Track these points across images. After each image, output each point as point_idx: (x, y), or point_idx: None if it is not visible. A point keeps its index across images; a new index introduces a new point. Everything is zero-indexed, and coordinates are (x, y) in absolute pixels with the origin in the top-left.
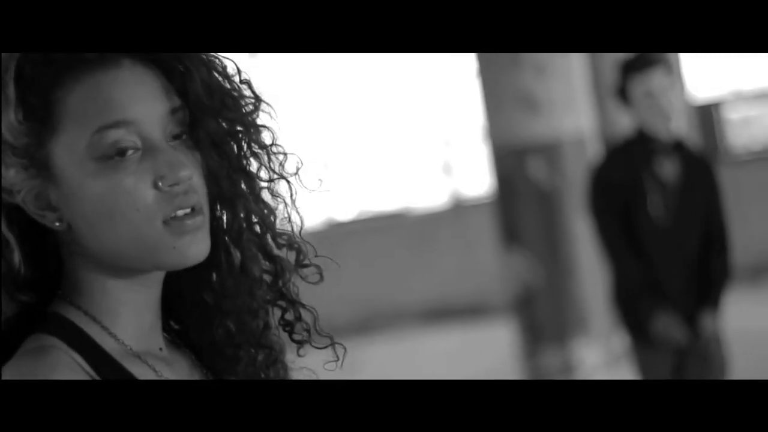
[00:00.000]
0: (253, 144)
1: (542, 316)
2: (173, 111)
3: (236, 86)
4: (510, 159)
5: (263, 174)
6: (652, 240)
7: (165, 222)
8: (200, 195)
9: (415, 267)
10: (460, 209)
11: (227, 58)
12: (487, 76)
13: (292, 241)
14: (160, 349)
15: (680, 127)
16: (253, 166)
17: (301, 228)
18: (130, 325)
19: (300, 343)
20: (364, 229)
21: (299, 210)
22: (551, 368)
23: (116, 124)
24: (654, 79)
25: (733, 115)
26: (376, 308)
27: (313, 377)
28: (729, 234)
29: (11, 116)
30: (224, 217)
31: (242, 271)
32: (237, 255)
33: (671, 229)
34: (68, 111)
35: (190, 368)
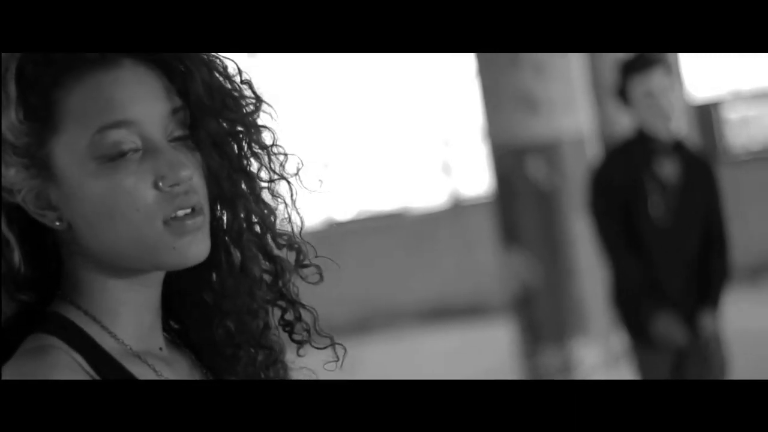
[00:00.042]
0: (253, 144)
1: (541, 315)
2: (174, 111)
3: (237, 86)
4: (509, 159)
5: (264, 174)
6: (653, 240)
7: (165, 222)
8: (200, 195)
9: (414, 267)
10: (459, 209)
11: (228, 59)
12: (486, 76)
13: (292, 242)
14: (160, 348)
15: (680, 127)
16: (254, 166)
17: (301, 228)
18: (130, 325)
19: (300, 343)
20: (364, 228)
21: (299, 210)
22: (550, 368)
23: (117, 124)
24: (654, 80)
25: (732, 115)
26: (375, 308)
27: (313, 377)
28: (728, 234)
29: (12, 116)
30: (224, 218)
31: (242, 271)
32: (237, 255)
33: (671, 229)
34: (69, 111)
35: (190, 368)
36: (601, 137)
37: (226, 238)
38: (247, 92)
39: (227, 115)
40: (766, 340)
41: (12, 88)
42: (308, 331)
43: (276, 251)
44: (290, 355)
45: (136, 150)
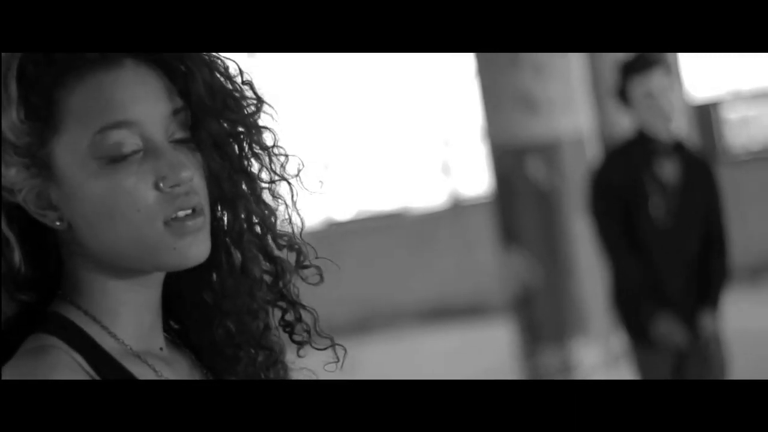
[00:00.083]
0: (254, 145)
1: (541, 315)
2: (175, 112)
3: (238, 87)
4: (509, 159)
5: (264, 175)
6: (653, 241)
7: (166, 223)
8: (201, 196)
9: (414, 267)
10: (459, 209)
11: (229, 59)
12: (485, 76)
13: (292, 243)
14: (161, 348)
15: (680, 127)
16: (255, 167)
17: (302, 229)
18: (130, 325)
19: (300, 344)
20: (363, 228)
21: (300, 211)
22: (550, 368)
23: (118, 125)
24: (654, 80)
25: (731, 115)
26: (375, 308)
27: (313, 378)
28: (728, 234)
29: (13, 115)
30: (225, 218)
31: (243, 271)
32: (237, 256)
33: (672, 229)
34: (70, 111)
35: (190, 368)
36: (601, 137)
37: (227, 238)
38: (248, 93)
39: (228, 116)
40: (765, 341)
41: (13, 88)
42: (308, 332)
43: (276, 252)
44: (290, 356)
45: (137, 150)
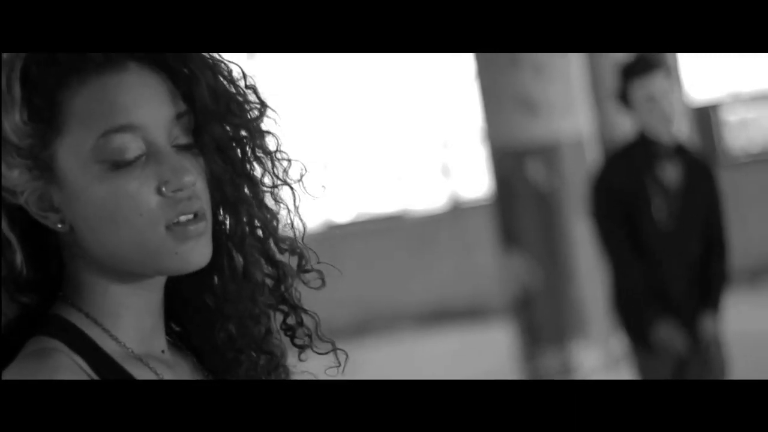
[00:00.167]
0: (257, 149)
1: (541, 318)
2: (178, 116)
3: (241, 91)
4: (509, 161)
5: (267, 180)
6: (656, 244)
7: (168, 227)
8: (203, 201)
9: (413, 269)
10: (458, 211)
11: (232, 62)
12: (485, 78)
13: (294, 247)
14: (162, 351)
15: (681, 130)
16: (257, 171)
17: (304, 234)
18: (132, 328)
19: (301, 348)
20: (363, 231)
21: (302, 216)
22: (550, 370)
23: (122, 128)
24: (655, 83)
25: (731, 117)
26: (375, 310)
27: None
28: (728, 237)
29: (16, 117)
30: (227, 222)
31: (245, 276)
32: (239, 260)
33: (674, 232)
34: (74, 113)
35: (191, 371)
36: (601, 139)
37: (229, 243)
38: (252, 97)
39: (231, 120)
40: (765, 343)
41: (16, 89)
42: (310, 336)
43: (278, 256)
44: (292, 359)
45: (140, 155)
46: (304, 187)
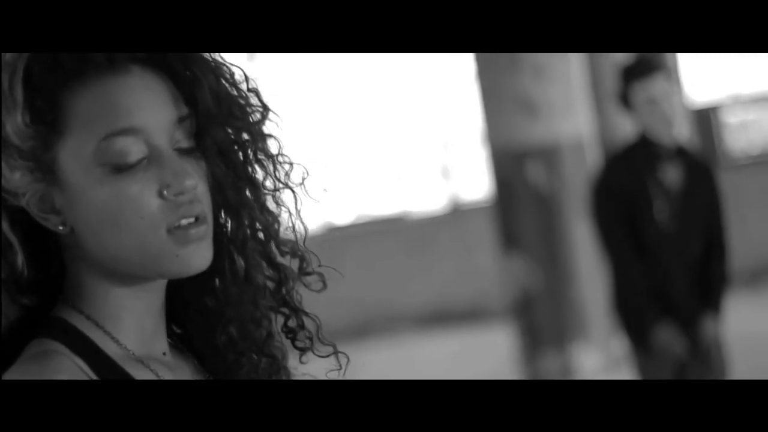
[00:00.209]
0: (259, 153)
1: (541, 320)
2: (180, 119)
3: (244, 94)
4: (509, 163)
5: (269, 183)
6: (657, 245)
7: (169, 231)
8: (204, 204)
9: (413, 271)
10: (458, 213)
11: (235, 65)
12: (485, 79)
13: (295, 249)
14: (164, 353)
15: (682, 132)
16: (259, 174)
17: (305, 237)
18: (133, 330)
19: (302, 350)
20: (363, 232)
21: (303, 219)
22: (550, 372)
23: (124, 132)
24: (656, 86)
25: (731, 119)
26: (375, 312)
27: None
28: (728, 238)
29: (18, 119)
30: (229, 225)
31: (246, 279)
32: (241, 263)
33: (675, 233)
34: (76, 115)
35: (192, 373)
36: (601, 141)
37: (231, 246)
38: (254, 100)
39: (234, 124)
40: (766, 344)
41: (19, 91)
42: (311, 339)
43: (279, 259)
44: (293, 362)
45: (142, 159)
46: (306, 191)
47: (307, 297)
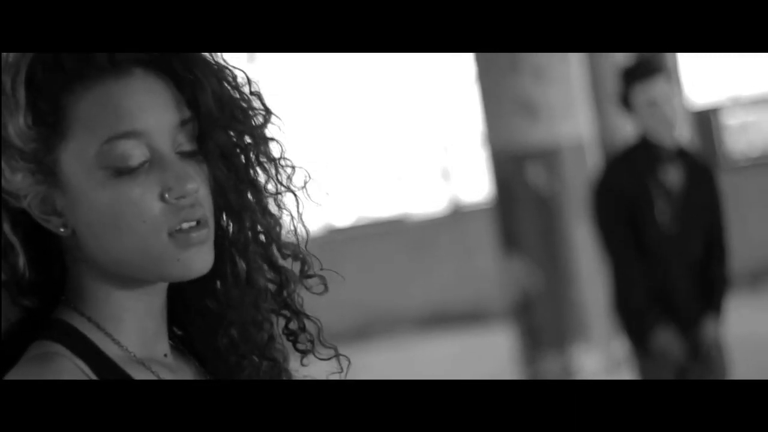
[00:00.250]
0: (261, 156)
1: (542, 321)
2: (183, 123)
3: (246, 97)
4: (509, 164)
5: (270, 186)
6: (658, 246)
7: (170, 234)
8: (206, 208)
9: (414, 273)
10: (459, 215)
11: (237, 68)
12: (485, 82)
13: (297, 252)
14: (165, 355)
15: (683, 134)
16: (261, 178)
17: (307, 240)
18: (134, 332)
19: (303, 353)
20: (363, 235)
21: (305, 223)
22: (551, 374)
23: (126, 135)
24: (656, 88)
25: (731, 120)
26: (375, 314)
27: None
28: (728, 240)
29: (20, 121)
30: (230, 229)
31: (248, 282)
32: (242, 266)
33: (677, 235)
34: (78, 118)
35: (194, 375)
36: (601, 143)
37: (232, 249)
38: (256, 103)
39: (236, 127)
40: (766, 346)
41: (21, 93)
42: (312, 341)
43: (281, 261)
44: (294, 364)
45: (144, 162)
46: (308, 194)
47: (307, 299)
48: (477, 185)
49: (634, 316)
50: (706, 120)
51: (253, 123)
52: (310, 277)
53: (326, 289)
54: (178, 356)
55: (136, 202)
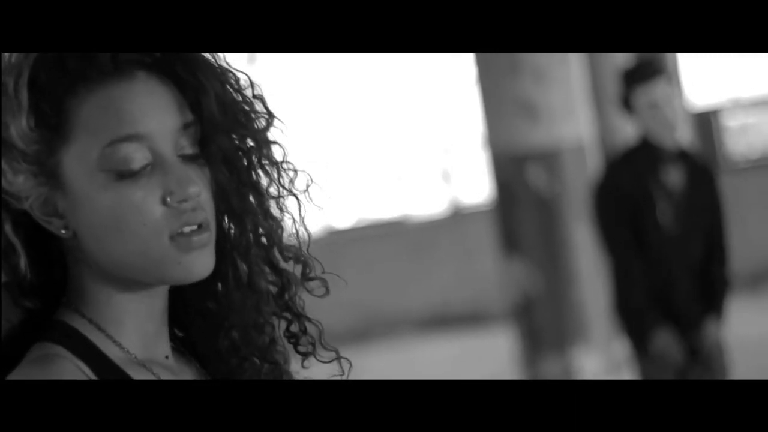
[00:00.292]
0: (263, 160)
1: (542, 323)
2: (185, 126)
3: (249, 101)
4: (509, 166)
5: (273, 190)
6: (660, 247)
7: (172, 238)
8: (208, 212)
9: (414, 274)
10: (459, 217)
11: (240, 71)
12: (486, 83)
13: (298, 255)
14: (166, 357)
15: (684, 135)
16: (263, 181)
17: (309, 243)
18: (135, 334)
19: (304, 355)
20: (364, 236)
21: (307, 226)
22: (551, 376)
23: (128, 138)
24: (658, 90)
25: (731, 122)
26: (376, 316)
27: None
28: (729, 241)
29: (23, 122)
30: (232, 232)
31: (249, 285)
32: (244, 269)
33: (679, 236)
34: (80, 121)
35: (195, 376)
36: (602, 144)
37: (234, 252)
38: (259, 107)
39: (239, 131)
40: (766, 347)
41: (24, 95)
42: (313, 344)
43: (282, 264)
44: (294, 366)
45: (146, 165)
46: (310, 198)
47: (307, 301)
48: (477, 187)
49: (635, 317)
50: (706, 122)
51: (255, 126)
52: (311, 279)
53: (327, 291)
54: (179, 358)
55: (138, 205)
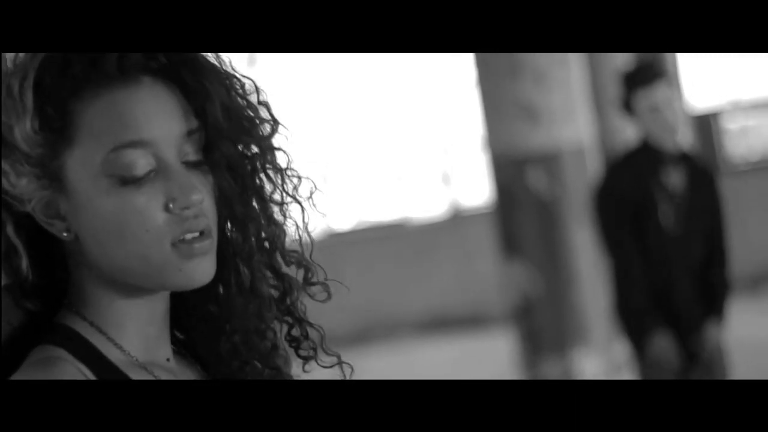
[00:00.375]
0: (267, 166)
1: (542, 325)
2: (190, 132)
3: (254, 107)
4: (509, 169)
5: (276, 197)
6: (662, 249)
7: (173, 244)
8: (210, 219)
9: (414, 277)
10: (459, 219)
11: (246, 77)
12: (486, 85)
13: (300, 260)
14: (167, 359)
15: (684, 138)
16: (267, 188)
17: (312, 249)
18: (136, 336)
19: (306, 359)
20: (363, 238)
21: (310, 233)
22: (551, 378)
23: (132, 144)
24: (658, 93)
25: (731, 125)
26: (375, 318)
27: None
28: (729, 243)
29: (27, 125)
30: (235, 238)
31: (251, 290)
32: (246, 274)
33: (679, 238)
34: (85, 125)
35: (196, 379)
36: (602, 147)
37: (236, 258)
38: (264, 113)
39: (243, 138)
40: (766, 350)
41: (29, 97)
42: (315, 348)
43: (284, 269)
44: (296, 369)
45: (149, 170)
46: (314, 204)
47: (307, 303)
48: (477, 189)
49: (635, 318)
50: (707, 124)
51: (260, 133)
52: (313, 284)
53: (329, 296)
54: (181, 360)
55: (141, 211)
